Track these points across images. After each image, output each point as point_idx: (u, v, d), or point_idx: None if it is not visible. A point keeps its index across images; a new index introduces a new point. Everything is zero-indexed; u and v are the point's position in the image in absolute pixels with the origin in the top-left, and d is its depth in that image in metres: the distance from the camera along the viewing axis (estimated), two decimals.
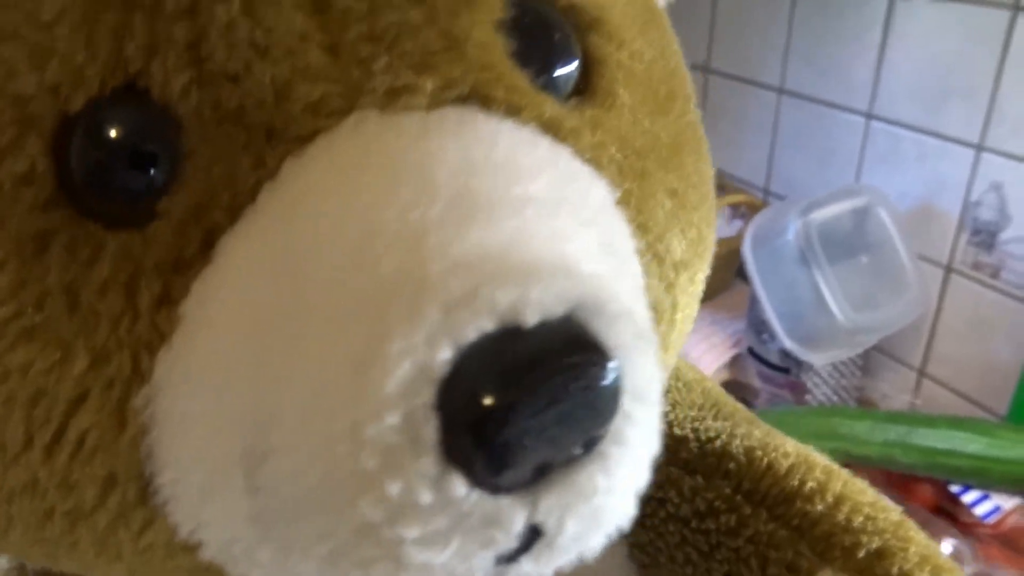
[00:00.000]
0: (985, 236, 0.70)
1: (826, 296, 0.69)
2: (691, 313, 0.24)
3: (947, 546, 0.58)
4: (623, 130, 0.21)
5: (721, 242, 0.83)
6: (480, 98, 0.18)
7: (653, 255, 0.21)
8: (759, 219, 0.76)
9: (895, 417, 0.67)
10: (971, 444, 0.64)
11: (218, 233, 0.17)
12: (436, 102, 0.18)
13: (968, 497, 0.63)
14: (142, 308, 0.17)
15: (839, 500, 0.27)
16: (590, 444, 0.15)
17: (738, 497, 0.28)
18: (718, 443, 0.29)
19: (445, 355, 0.14)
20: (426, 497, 0.14)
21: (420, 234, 0.15)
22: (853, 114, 0.78)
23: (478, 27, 0.18)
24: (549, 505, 0.15)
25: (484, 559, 0.15)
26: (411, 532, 0.14)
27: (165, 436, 0.17)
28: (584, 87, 0.21)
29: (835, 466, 0.29)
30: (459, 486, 0.14)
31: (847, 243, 0.73)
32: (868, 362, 0.80)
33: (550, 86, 0.20)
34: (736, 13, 0.89)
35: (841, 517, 0.26)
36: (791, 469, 0.28)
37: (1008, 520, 0.62)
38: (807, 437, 0.69)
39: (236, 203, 0.17)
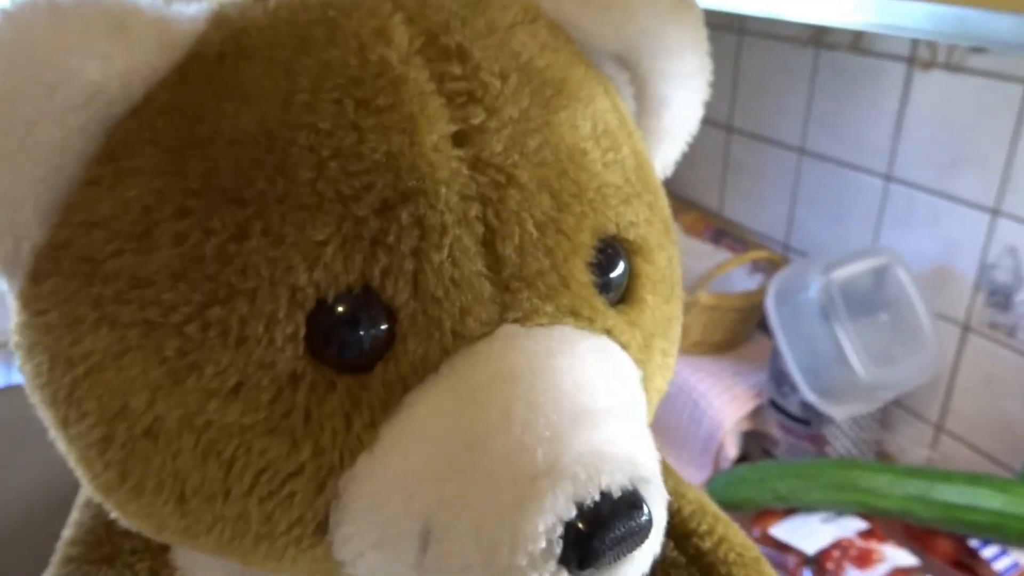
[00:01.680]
0: (1001, 297, 0.73)
1: (847, 351, 0.72)
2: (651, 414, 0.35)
3: None
4: (646, 323, 0.31)
5: (743, 295, 0.86)
6: (574, 315, 0.27)
7: (646, 389, 0.31)
8: (782, 275, 0.79)
9: (915, 472, 0.69)
10: (989, 500, 0.66)
11: (411, 388, 0.25)
12: (552, 319, 0.27)
13: (987, 552, 0.65)
14: (354, 427, 0.25)
15: (721, 540, 0.38)
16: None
17: None
18: None
19: (572, 512, 0.23)
20: None
21: (557, 435, 0.24)
22: (871, 175, 0.82)
23: (578, 270, 0.27)
24: None
25: None
26: None
27: (352, 504, 0.25)
28: (625, 295, 0.30)
29: (722, 513, 0.39)
30: None
31: (867, 301, 0.76)
32: (887, 416, 0.82)
33: (608, 295, 0.29)
34: (759, 75, 0.93)
35: (721, 553, 0.37)
36: (692, 514, 0.38)
37: None
38: (828, 489, 0.71)
39: (426, 372, 0.25)
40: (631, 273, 0.30)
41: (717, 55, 0.35)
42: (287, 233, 0.24)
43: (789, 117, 0.89)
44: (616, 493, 0.23)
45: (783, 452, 0.82)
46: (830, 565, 0.63)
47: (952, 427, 0.79)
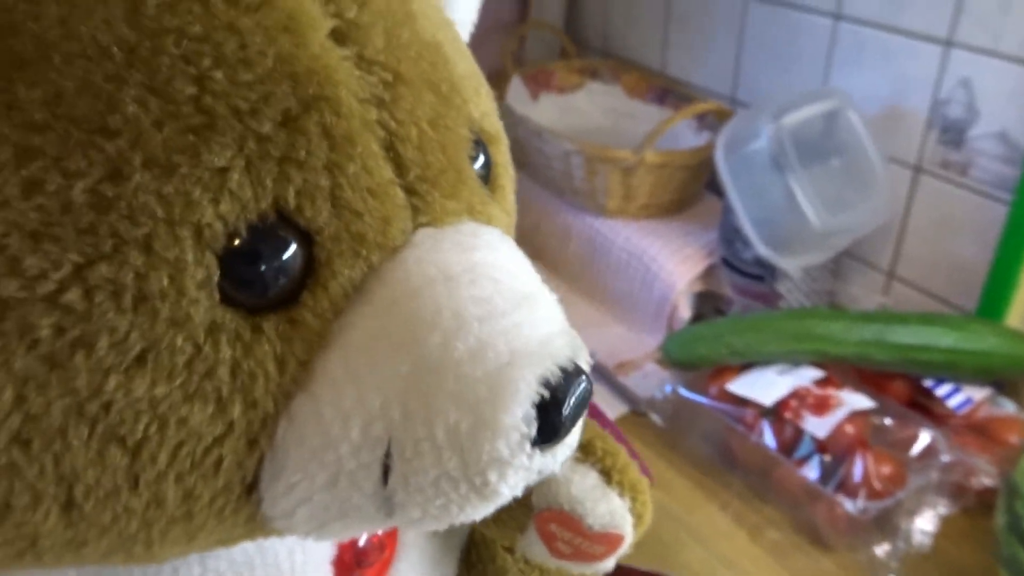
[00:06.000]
0: (954, 134, 0.70)
1: (799, 199, 0.69)
2: None
3: (925, 437, 0.59)
4: (509, 210, 0.32)
5: (691, 152, 0.82)
6: (471, 211, 0.28)
7: None
8: (731, 126, 0.75)
9: (869, 316, 0.68)
10: (943, 338, 0.65)
11: (341, 313, 0.24)
12: (455, 218, 0.27)
13: (941, 390, 0.65)
14: (288, 369, 0.23)
15: None
16: None
17: None
18: None
19: (543, 392, 0.23)
20: (525, 463, 0.24)
21: (512, 324, 0.24)
22: (819, 15, 0.77)
23: (466, 164, 0.28)
24: (559, 455, 0.26)
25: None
26: (510, 481, 0.24)
27: (294, 450, 0.23)
28: (489, 184, 0.30)
29: None
30: (537, 454, 0.24)
31: (818, 146, 0.73)
32: (839, 267, 0.81)
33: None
34: None
35: None
36: None
37: (979, 410, 0.64)
38: (784, 340, 0.70)
39: (355, 293, 0.24)
40: (492, 163, 0.30)
41: None
42: (178, 163, 0.21)
43: None
44: (569, 367, 0.24)
45: (736, 311, 0.80)
46: (788, 414, 0.62)
47: (904, 273, 0.77)
